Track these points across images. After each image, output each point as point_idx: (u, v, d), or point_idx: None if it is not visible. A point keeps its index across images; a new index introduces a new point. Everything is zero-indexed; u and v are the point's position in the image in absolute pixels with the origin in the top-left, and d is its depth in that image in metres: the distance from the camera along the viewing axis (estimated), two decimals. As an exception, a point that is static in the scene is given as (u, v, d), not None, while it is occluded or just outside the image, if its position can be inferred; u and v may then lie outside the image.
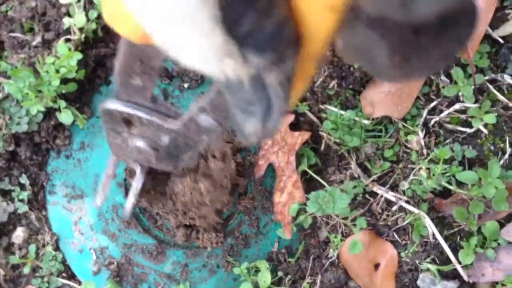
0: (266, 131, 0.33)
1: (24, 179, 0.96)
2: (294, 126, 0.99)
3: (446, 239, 0.93)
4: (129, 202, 0.75)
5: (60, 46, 0.87)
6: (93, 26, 0.92)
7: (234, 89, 0.30)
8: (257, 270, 0.97)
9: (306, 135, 0.97)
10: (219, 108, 0.47)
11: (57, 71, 0.87)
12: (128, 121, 0.57)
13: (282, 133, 0.98)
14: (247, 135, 0.34)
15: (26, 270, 0.96)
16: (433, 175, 0.90)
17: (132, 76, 0.50)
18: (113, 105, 0.55)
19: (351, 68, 0.95)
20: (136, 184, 0.73)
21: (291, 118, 0.98)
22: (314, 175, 0.97)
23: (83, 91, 0.98)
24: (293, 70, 0.29)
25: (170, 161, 0.63)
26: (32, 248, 0.96)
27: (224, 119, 0.49)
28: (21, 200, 0.96)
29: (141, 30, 0.34)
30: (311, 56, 0.29)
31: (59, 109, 0.92)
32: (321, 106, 0.97)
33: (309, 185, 1.00)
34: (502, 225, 0.92)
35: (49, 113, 0.94)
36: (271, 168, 1.00)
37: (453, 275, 0.93)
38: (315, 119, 0.98)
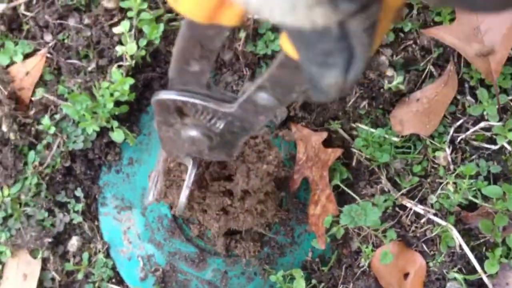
0: (347, 82, 0.34)
1: (78, 192, 1.04)
2: (327, 143, 1.05)
3: (472, 249, 0.98)
4: (183, 196, 0.76)
5: (114, 72, 0.96)
6: (143, 53, 1.00)
7: (313, 41, 0.30)
8: (292, 278, 1.03)
9: (338, 152, 1.03)
10: (279, 84, 0.47)
11: (112, 95, 0.96)
12: (181, 112, 0.57)
13: (316, 150, 1.04)
14: (326, 88, 0.34)
15: (80, 276, 1.04)
16: (460, 189, 0.96)
17: (189, 63, 0.50)
18: (167, 95, 0.55)
19: (381, 90, 1.01)
20: (189, 177, 0.74)
21: (324, 135, 1.04)
22: (346, 188, 1.03)
23: (132, 112, 1.06)
24: (376, 16, 0.30)
25: (223, 149, 0.63)
26: (85, 255, 1.05)
27: (284, 95, 0.48)
28: (76, 212, 1.04)
29: (207, 6, 0.35)
30: (391, 8, 0.32)
31: (111, 129, 1.00)
32: (353, 125, 1.04)
33: (341, 198, 1.06)
34: (526, 237, 0.97)
35: (102, 131, 1.03)
36: (304, 181, 1.06)
37: (478, 284, 0.98)
38: (347, 136, 1.05)
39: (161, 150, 0.73)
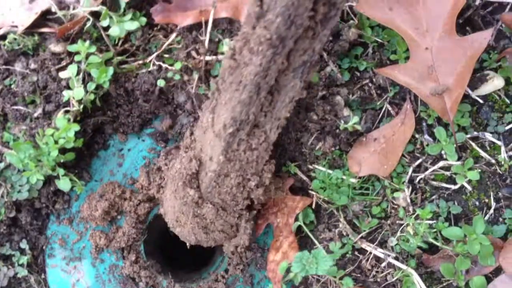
0: None
1: (24, 244, 0.99)
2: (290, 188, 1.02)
3: (435, 294, 0.95)
4: None
5: (59, 119, 0.92)
6: (91, 97, 0.97)
7: None
8: (252, 328, 0.98)
9: (307, 201, 0.99)
10: None
11: (56, 142, 0.92)
12: None
13: (283, 195, 1.01)
14: None
15: (27, 332, 0.99)
16: (417, 234, 0.93)
17: None
18: None
19: (337, 130, 0.98)
20: None
21: (291, 181, 1.01)
22: (309, 233, 0.99)
23: (82, 157, 1.02)
24: None
25: None
26: (33, 310, 0.99)
27: None
28: (21, 265, 0.99)
29: None
30: None
31: (58, 177, 0.96)
32: (310, 166, 1.01)
33: (302, 241, 1.03)
34: (489, 279, 0.94)
35: (49, 179, 0.98)
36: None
37: (444, 331, 0.94)
38: (305, 177, 1.02)
39: None
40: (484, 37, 0.95)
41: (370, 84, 1.02)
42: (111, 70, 0.98)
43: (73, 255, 1.01)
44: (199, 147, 0.84)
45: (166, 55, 1.03)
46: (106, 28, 1.01)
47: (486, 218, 0.96)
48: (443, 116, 0.95)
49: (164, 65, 1.01)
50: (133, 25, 0.98)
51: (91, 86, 0.97)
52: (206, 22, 1.00)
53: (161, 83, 1.01)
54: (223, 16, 1.00)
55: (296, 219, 0.99)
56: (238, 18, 1.00)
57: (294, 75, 0.70)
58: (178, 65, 1.00)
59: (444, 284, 0.96)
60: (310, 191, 1.01)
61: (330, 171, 0.99)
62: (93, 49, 0.98)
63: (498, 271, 0.94)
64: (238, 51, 0.65)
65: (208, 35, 1.00)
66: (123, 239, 1.01)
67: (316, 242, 0.99)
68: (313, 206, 1.01)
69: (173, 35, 1.02)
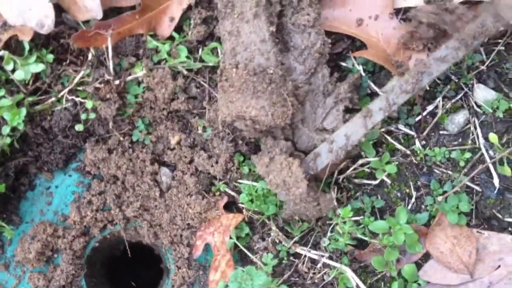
0: None
1: (-40, 297, 0.98)
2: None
3: (371, 287, 0.98)
4: None
5: (-27, 169, 0.91)
6: (8, 140, 0.97)
7: None
8: None
9: (240, 217, 1.01)
10: None
11: (-24, 192, 0.91)
12: None
13: (219, 215, 1.02)
14: None
15: None
16: (343, 233, 0.96)
17: None
18: None
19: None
20: None
21: (224, 200, 1.03)
22: (243, 248, 1.01)
23: (9, 201, 1.01)
24: None
25: None
26: None
27: None
28: (-40, 317, 0.98)
29: None
30: None
31: (-16, 225, 0.95)
32: (235, 183, 1.03)
33: (241, 254, 1.04)
34: (420, 265, 0.98)
35: (-23, 228, 0.98)
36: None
37: (382, 321, 0.98)
38: (234, 194, 1.04)
39: None
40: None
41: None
42: (23, 111, 0.97)
43: (13, 302, 1.01)
44: None
45: (79, 88, 1.03)
46: (13, 71, 1.00)
47: (409, 207, 1.00)
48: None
49: (77, 99, 1.01)
50: (38, 67, 0.97)
51: (6, 129, 0.96)
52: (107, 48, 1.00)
53: (79, 128, 1.01)
54: (140, 32, 1.01)
55: (230, 237, 1.01)
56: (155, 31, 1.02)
57: None
58: (89, 104, 1.00)
59: (379, 276, 0.99)
60: (240, 205, 1.03)
61: (255, 184, 1.01)
62: (2, 92, 0.97)
63: (427, 257, 0.98)
64: None
65: (111, 61, 1.00)
66: (62, 277, 1.01)
67: (251, 255, 1.01)
68: (246, 219, 1.03)
69: (83, 69, 1.01)
